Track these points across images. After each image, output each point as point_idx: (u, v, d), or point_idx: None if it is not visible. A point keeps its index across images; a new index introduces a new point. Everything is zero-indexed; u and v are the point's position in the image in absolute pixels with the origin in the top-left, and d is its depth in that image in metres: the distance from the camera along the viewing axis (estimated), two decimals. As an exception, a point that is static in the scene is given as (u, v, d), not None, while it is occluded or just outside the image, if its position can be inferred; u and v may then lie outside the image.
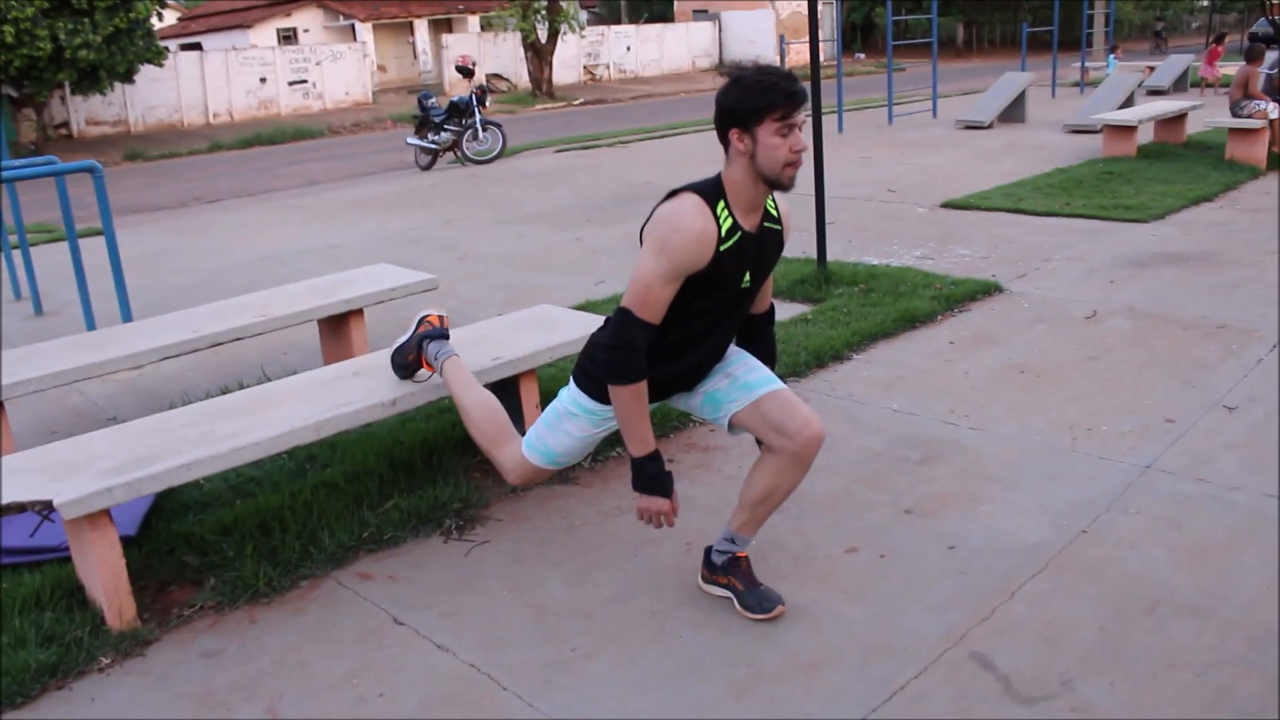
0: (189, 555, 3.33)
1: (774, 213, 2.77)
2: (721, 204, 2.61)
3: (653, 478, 2.71)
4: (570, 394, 2.95)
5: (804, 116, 2.56)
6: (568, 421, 2.95)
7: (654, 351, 2.72)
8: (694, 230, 2.55)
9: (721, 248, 2.60)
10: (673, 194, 2.64)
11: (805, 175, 7.56)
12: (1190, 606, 2.89)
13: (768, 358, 3.01)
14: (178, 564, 3.32)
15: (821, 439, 2.77)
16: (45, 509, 2.84)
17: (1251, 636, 2.74)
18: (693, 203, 2.59)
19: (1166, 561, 3.13)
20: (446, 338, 3.54)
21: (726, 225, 2.61)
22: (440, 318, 3.61)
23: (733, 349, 2.97)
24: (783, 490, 2.85)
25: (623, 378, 2.63)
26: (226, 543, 3.36)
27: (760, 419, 2.79)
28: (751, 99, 2.52)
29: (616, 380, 2.64)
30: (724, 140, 2.60)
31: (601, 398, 2.84)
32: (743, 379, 2.85)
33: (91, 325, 5.96)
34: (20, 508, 2.83)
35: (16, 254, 7.86)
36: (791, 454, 2.76)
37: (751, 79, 2.53)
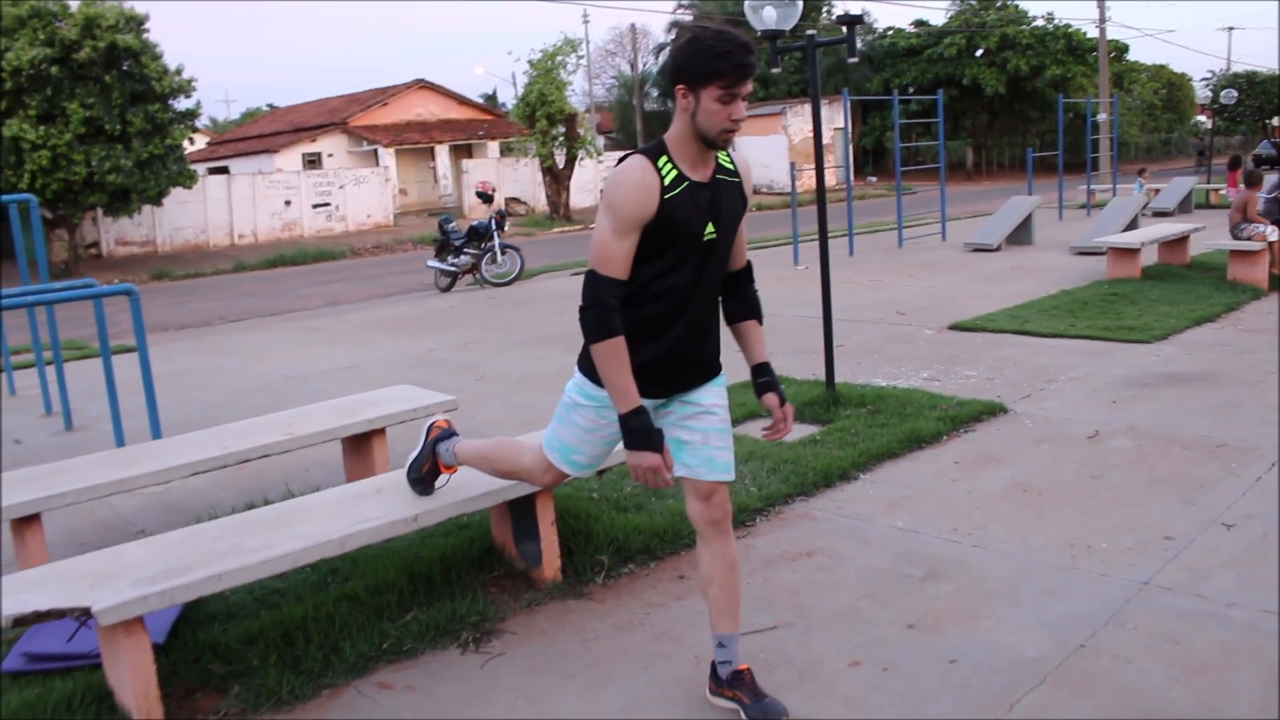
0: (215, 663, 3.45)
1: (729, 165, 2.91)
2: (664, 158, 2.77)
3: (639, 432, 2.79)
4: (575, 383, 3.06)
5: (749, 88, 2.71)
6: (575, 413, 3.06)
7: (638, 325, 2.84)
8: (632, 179, 2.71)
9: (667, 195, 2.73)
10: (621, 158, 2.81)
11: (810, 298, 7.71)
12: (1186, 720, 2.97)
13: (751, 311, 3.14)
14: (204, 672, 3.43)
15: (723, 510, 3.01)
16: (83, 615, 2.98)
17: (1245, 750, 2.82)
18: (633, 159, 2.76)
19: (1163, 676, 3.22)
20: (456, 434, 3.74)
21: (670, 175, 2.75)
22: (446, 421, 3.80)
23: (724, 411, 3.06)
24: (720, 567, 3.02)
25: (597, 334, 2.75)
26: (251, 652, 3.48)
27: (691, 487, 3.01)
28: (701, 62, 2.67)
29: (593, 337, 2.77)
30: (672, 92, 2.75)
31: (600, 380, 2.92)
32: (715, 456, 2.99)
33: (121, 441, 6.15)
34: (59, 614, 2.97)
35: (49, 370, 8.10)
36: (702, 523, 3.01)
37: (707, 42, 2.67)
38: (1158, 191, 21.94)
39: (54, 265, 22.23)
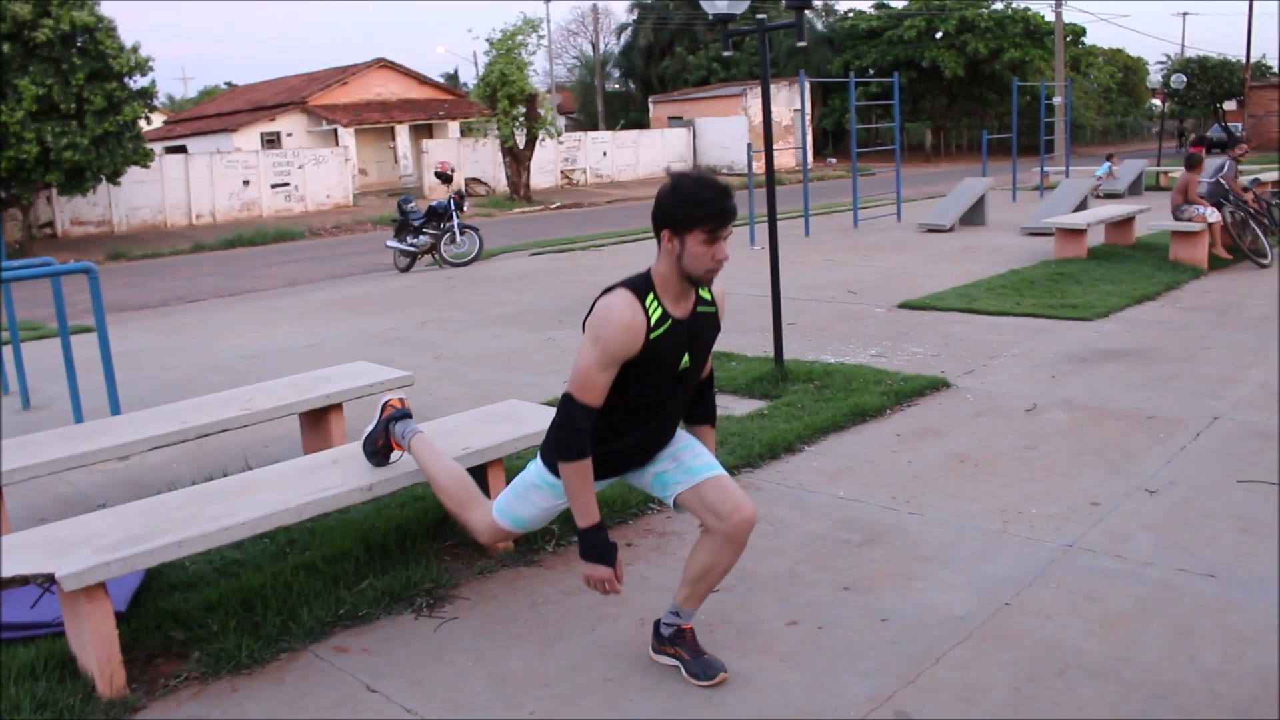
0: (175, 630, 3.57)
1: (707, 296, 3.07)
2: (651, 296, 2.93)
3: (596, 547, 2.98)
4: (537, 468, 3.25)
5: (731, 230, 2.88)
6: (534, 493, 3.25)
7: (603, 429, 3.02)
8: (623, 321, 2.86)
9: (652, 335, 2.90)
10: (609, 289, 2.96)
11: (763, 278, 7.87)
12: (1098, 669, 3.17)
13: (706, 417, 3.34)
14: (165, 639, 3.54)
15: (752, 523, 3.06)
16: (47, 582, 3.09)
17: (1149, 695, 3.02)
18: (623, 296, 2.90)
19: (1080, 630, 3.42)
20: (410, 417, 3.86)
21: (656, 315, 2.92)
22: (400, 400, 3.93)
23: (682, 434, 3.27)
24: (719, 568, 3.13)
25: (567, 455, 2.93)
26: (211, 618, 3.59)
27: (699, 501, 3.09)
28: (686, 209, 2.83)
29: (562, 457, 2.95)
30: (657, 236, 2.91)
31: None
32: (688, 464, 3.15)
33: (80, 418, 6.20)
34: (24, 580, 3.08)
35: (6, 350, 8.10)
36: (724, 534, 3.05)
37: (689, 190, 2.83)
38: (1110, 174, 22.29)
39: (8, 245, 21.96)
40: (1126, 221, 12.79)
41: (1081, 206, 15.43)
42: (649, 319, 2.90)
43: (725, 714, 3.04)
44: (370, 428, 3.89)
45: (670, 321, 2.95)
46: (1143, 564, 3.88)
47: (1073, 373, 6.75)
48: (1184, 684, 3.07)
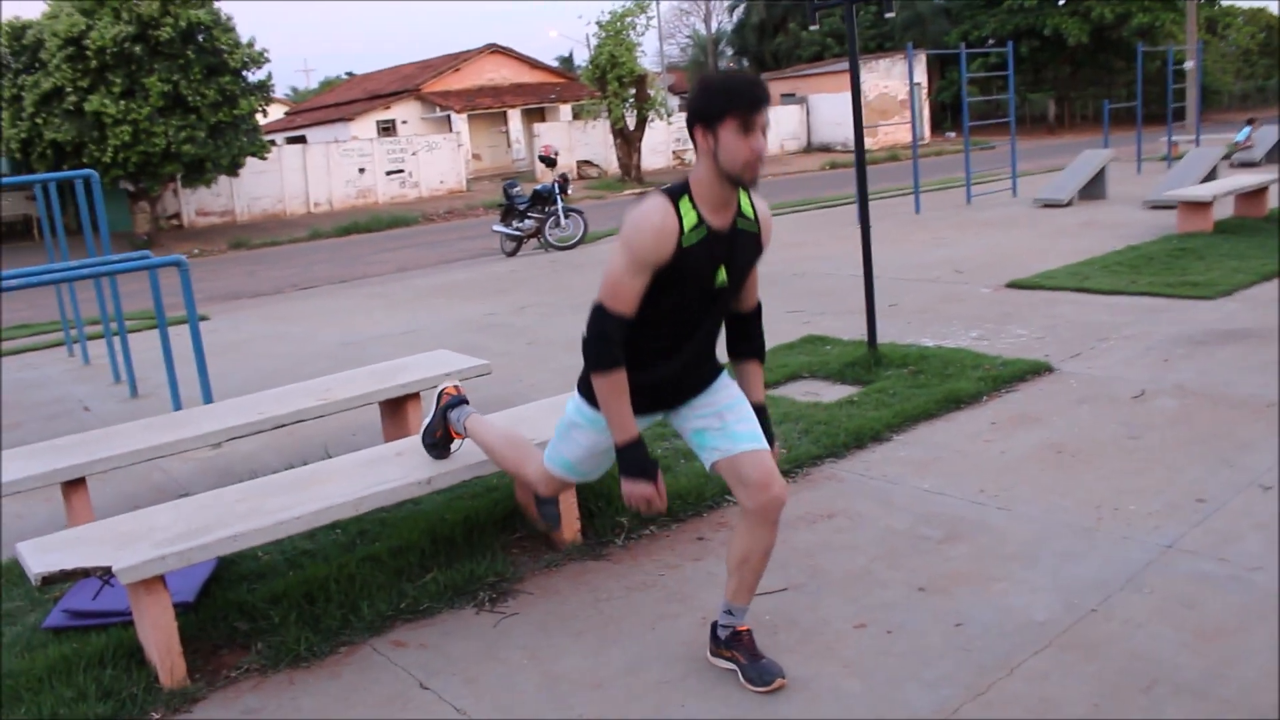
0: (240, 621, 3.60)
1: (749, 213, 2.92)
2: (686, 200, 2.79)
3: (637, 462, 2.86)
4: (574, 404, 3.14)
5: (766, 119, 2.72)
6: (575, 431, 3.15)
7: (636, 353, 2.89)
8: (652, 224, 2.73)
9: (685, 242, 2.76)
10: (642, 194, 2.83)
11: (855, 259, 7.61)
12: (1189, 686, 2.93)
13: (755, 352, 3.18)
14: (229, 629, 3.58)
15: (781, 501, 2.92)
16: (106, 574, 3.13)
17: (1246, 717, 2.77)
18: (655, 200, 2.78)
19: (1173, 641, 3.17)
20: (466, 403, 3.82)
21: (690, 221, 2.77)
22: (456, 387, 3.88)
23: (731, 388, 3.10)
24: (757, 551, 3.00)
25: (599, 364, 2.81)
26: (274, 610, 3.61)
27: (733, 472, 2.96)
28: (715, 100, 2.70)
29: (594, 368, 2.83)
30: (692, 138, 2.78)
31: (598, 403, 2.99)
32: (732, 428, 2.99)
33: (178, 406, 6.36)
34: (84, 573, 3.13)
35: (117, 340, 8.39)
36: (754, 513, 2.92)
37: (718, 82, 2.73)
38: (1250, 140, 20.99)
39: (137, 237, 22.90)
40: (1259, 192, 12.05)
41: (1211, 177, 14.62)
42: (682, 224, 2.76)
43: (780, 722, 2.91)
44: (428, 420, 3.86)
45: (706, 230, 2.80)
46: (1249, 568, 3.58)
47: (1188, 356, 6.36)
48: (1284, 703, 2.81)
